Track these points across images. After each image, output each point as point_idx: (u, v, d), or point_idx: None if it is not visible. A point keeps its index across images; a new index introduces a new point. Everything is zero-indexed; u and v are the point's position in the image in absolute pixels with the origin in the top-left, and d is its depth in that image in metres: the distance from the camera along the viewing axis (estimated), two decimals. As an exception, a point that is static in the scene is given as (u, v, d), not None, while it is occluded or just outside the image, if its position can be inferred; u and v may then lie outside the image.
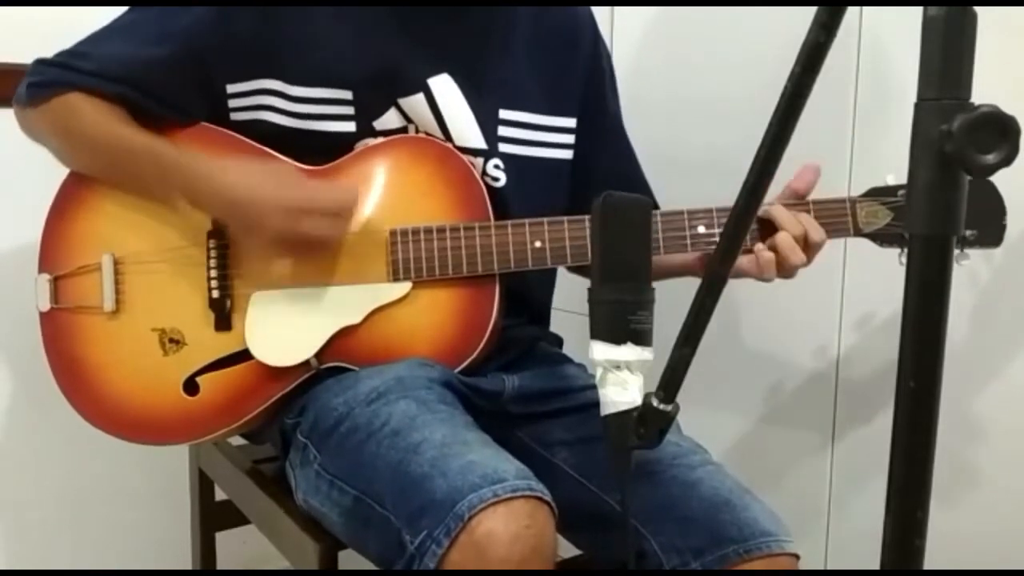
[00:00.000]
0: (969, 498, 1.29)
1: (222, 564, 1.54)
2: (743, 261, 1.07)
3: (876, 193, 1.10)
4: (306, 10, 1.12)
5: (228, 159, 1.12)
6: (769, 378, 1.52)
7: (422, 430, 0.95)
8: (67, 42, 1.15)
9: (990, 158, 0.51)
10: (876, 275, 1.20)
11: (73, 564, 1.65)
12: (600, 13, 1.44)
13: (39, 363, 1.18)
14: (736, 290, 1.08)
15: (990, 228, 1.07)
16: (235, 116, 1.15)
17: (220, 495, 1.48)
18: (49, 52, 1.15)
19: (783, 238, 1.06)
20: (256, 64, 1.12)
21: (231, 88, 1.14)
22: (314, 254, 1.10)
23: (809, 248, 1.07)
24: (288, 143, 1.14)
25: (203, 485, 1.50)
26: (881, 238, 1.10)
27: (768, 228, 1.08)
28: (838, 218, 1.10)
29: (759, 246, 1.07)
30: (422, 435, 0.94)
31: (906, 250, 1.06)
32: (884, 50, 1.30)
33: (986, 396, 1.27)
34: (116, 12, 1.16)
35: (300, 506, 1.10)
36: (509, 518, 0.85)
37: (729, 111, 1.47)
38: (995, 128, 0.51)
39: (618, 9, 1.65)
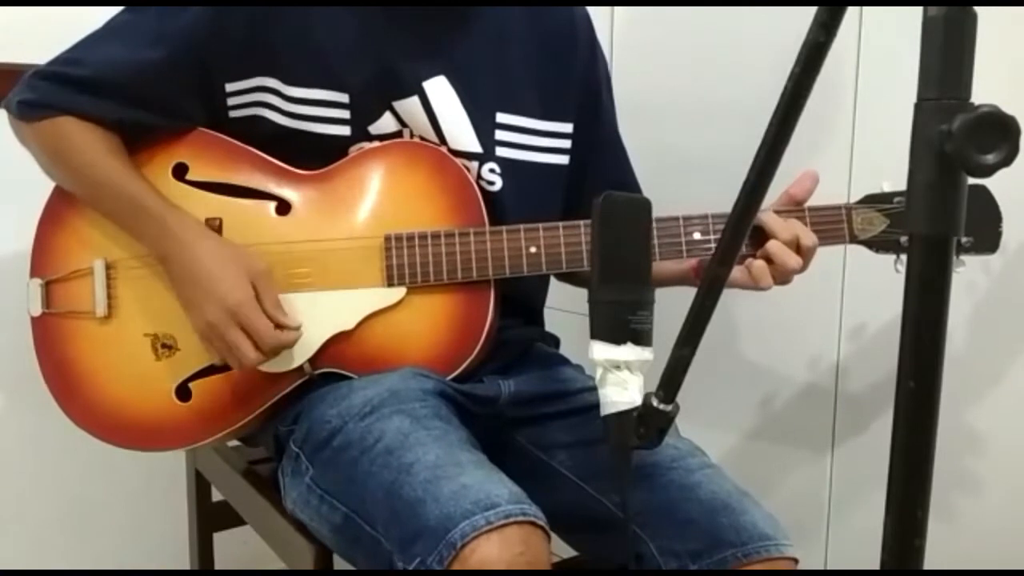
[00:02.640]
0: (967, 501, 1.29)
1: (220, 564, 1.55)
2: (736, 273, 1.07)
3: (872, 200, 1.10)
4: (303, 10, 1.11)
5: (212, 234, 1.11)
6: (769, 383, 1.52)
7: (415, 449, 0.94)
8: (67, 42, 1.14)
9: (990, 158, 0.51)
10: (876, 281, 1.20)
11: (72, 564, 1.65)
12: (600, 13, 1.44)
13: (33, 367, 1.17)
14: (736, 296, 1.08)
15: (986, 235, 1.08)
16: (233, 114, 1.15)
17: (217, 496, 1.48)
18: (49, 52, 1.14)
19: (774, 244, 1.06)
20: (254, 62, 1.12)
21: (230, 87, 1.13)
22: (225, 359, 1.09)
23: (802, 253, 1.07)
24: (284, 144, 1.13)
25: (200, 486, 1.50)
26: (877, 245, 1.10)
27: (759, 236, 1.08)
28: (834, 225, 1.10)
29: (749, 259, 1.07)
30: (415, 455, 0.94)
31: (902, 257, 1.08)
32: (884, 50, 1.31)
33: (984, 402, 1.27)
34: (115, 12, 1.15)
35: (289, 512, 1.10)
36: (503, 546, 0.85)
37: (729, 112, 1.48)
38: (995, 128, 0.51)
39: (618, 9, 1.66)
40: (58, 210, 1.18)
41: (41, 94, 1.12)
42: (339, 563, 1.07)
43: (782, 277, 1.07)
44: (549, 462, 1.16)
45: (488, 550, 0.84)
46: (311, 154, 1.13)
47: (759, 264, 1.06)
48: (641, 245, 0.77)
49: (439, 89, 1.15)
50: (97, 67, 1.11)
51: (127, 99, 1.12)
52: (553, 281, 1.31)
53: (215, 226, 1.13)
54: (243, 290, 1.06)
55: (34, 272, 1.18)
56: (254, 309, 1.05)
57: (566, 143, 1.24)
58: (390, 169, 1.14)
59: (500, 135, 1.18)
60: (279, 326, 1.07)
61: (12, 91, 1.15)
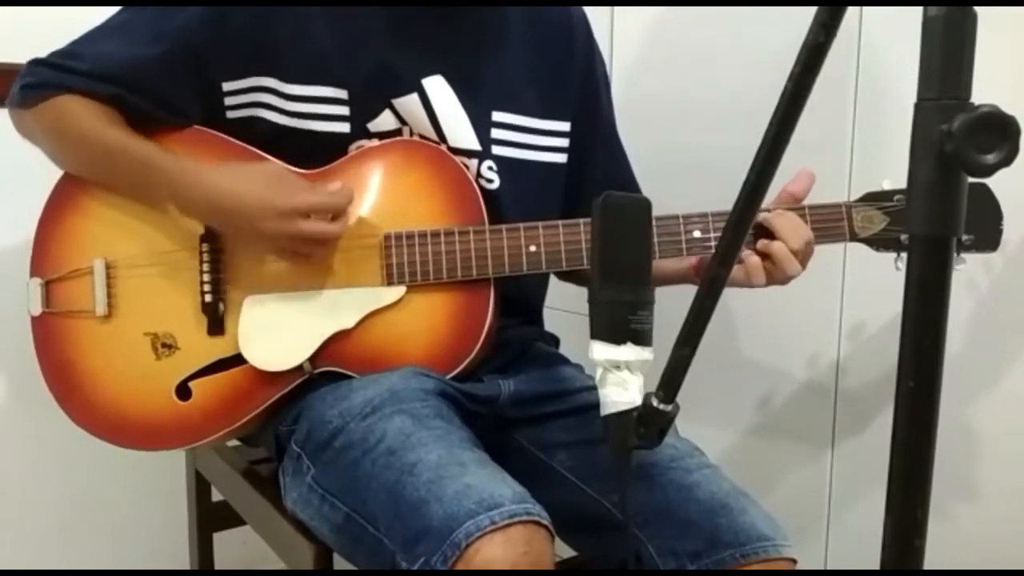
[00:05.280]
0: (966, 502, 1.29)
1: (220, 564, 1.55)
2: (732, 270, 1.07)
3: (871, 198, 1.10)
4: (301, 9, 1.12)
5: (219, 162, 1.11)
6: (769, 382, 1.52)
7: (417, 449, 0.94)
8: (66, 42, 1.14)
9: (990, 158, 0.51)
10: (876, 279, 1.20)
11: (71, 564, 1.65)
12: (600, 13, 1.44)
13: (33, 367, 1.17)
14: (736, 294, 1.08)
15: (987, 232, 1.08)
16: (231, 114, 1.15)
17: (217, 496, 1.48)
18: (47, 52, 1.14)
19: (779, 248, 1.06)
20: (252, 62, 1.12)
21: (227, 86, 1.13)
22: (311, 256, 1.10)
23: (802, 250, 1.07)
24: (283, 143, 1.13)
25: (200, 486, 1.50)
26: (877, 243, 1.10)
27: (761, 234, 1.08)
28: (834, 223, 1.10)
29: (746, 252, 1.07)
30: (417, 455, 0.93)
31: (902, 255, 1.08)
32: (884, 51, 1.31)
33: (984, 400, 1.27)
34: (115, 12, 1.16)
35: (289, 511, 1.10)
36: (507, 546, 0.85)
37: (729, 112, 1.48)
38: (995, 128, 0.51)
39: (618, 9, 1.65)
40: (58, 209, 1.18)
41: (41, 77, 1.13)
42: (339, 563, 1.07)
43: (780, 279, 1.07)
44: (548, 462, 1.16)
45: (492, 550, 0.84)
46: (311, 153, 1.13)
47: (754, 261, 1.06)
48: (641, 245, 0.77)
49: (438, 87, 1.15)
50: (95, 62, 1.11)
51: (125, 89, 1.12)
52: (553, 281, 1.31)
53: (213, 227, 1.14)
54: (274, 189, 1.06)
55: (34, 272, 1.18)
56: (299, 196, 1.06)
57: (564, 142, 1.24)
58: (389, 167, 1.14)
59: (496, 133, 1.19)
60: (330, 194, 1.08)
61: (12, 85, 1.15)
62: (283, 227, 1.06)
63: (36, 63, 1.14)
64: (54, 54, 1.14)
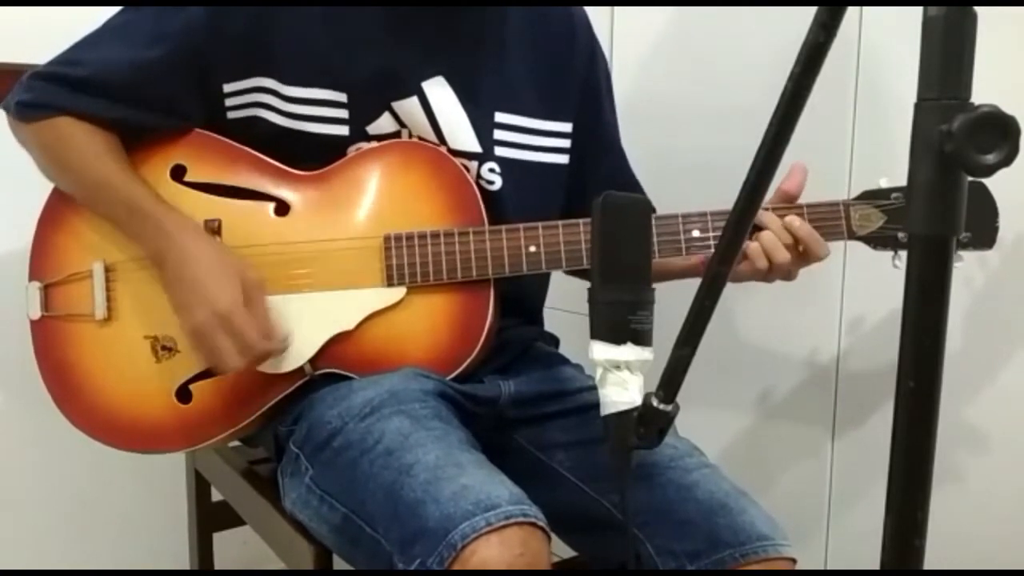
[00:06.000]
0: (964, 501, 1.29)
1: (220, 564, 1.55)
2: (742, 265, 1.07)
3: (869, 196, 1.11)
4: (301, 10, 1.11)
5: (208, 238, 1.10)
6: (769, 380, 1.52)
7: (415, 450, 0.94)
8: (67, 42, 1.14)
9: (990, 158, 0.51)
10: (876, 276, 1.20)
11: (72, 564, 1.65)
12: (600, 13, 1.44)
13: (34, 368, 1.17)
14: (737, 292, 1.09)
15: (983, 230, 1.08)
16: (232, 115, 1.15)
17: (217, 496, 1.48)
18: (49, 52, 1.14)
19: (767, 235, 1.07)
20: (252, 63, 1.12)
21: (228, 87, 1.13)
22: (210, 364, 1.07)
23: (808, 256, 1.07)
24: (282, 145, 1.13)
25: (200, 486, 1.50)
26: (875, 241, 1.11)
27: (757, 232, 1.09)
28: (832, 221, 1.10)
29: (746, 245, 1.08)
30: (415, 456, 0.94)
31: (900, 253, 1.09)
32: (884, 51, 1.31)
33: (981, 398, 1.27)
34: (114, 13, 1.15)
35: (288, 512, 1.10)
36: (502, 547, 0.85)
37: (729, 112, 1.48)
38: (995, 128, 0.51)
39: (618, 10, 1.65)
40: (57, 213, 1.18)
41: (38, 94, 1.12)
42: (339, 563, 1.07)
43: (776, 269, 1.07)
44: (548, 462, 1.16)
45: (488, 551, 0.85)
46: (309, 154, 1.13)
47: (754, 246, 1.07)
48: (641, 245, 0.77)
49: (438, 89, 1.15)
50: (95, 67, 1.11)
51: (125, 99, 1.12)
52: (553, 281, 1.31)
53: (214, 228, 1.13)
54: (233, 296, 1.04)
55: (33, 275, 1.18)
56: (242, 315, 1.04)
57: (565, 143, 1.24)
58: (388, 168, 1.14)
59: (499, 135, 1.19)
60: (267, 336, 1.05)
61: (11, 92, 1.15)
62: (205, 324, 1.03)
63: (35, 77, 1.13)
64: (53, 62, 1.14)
